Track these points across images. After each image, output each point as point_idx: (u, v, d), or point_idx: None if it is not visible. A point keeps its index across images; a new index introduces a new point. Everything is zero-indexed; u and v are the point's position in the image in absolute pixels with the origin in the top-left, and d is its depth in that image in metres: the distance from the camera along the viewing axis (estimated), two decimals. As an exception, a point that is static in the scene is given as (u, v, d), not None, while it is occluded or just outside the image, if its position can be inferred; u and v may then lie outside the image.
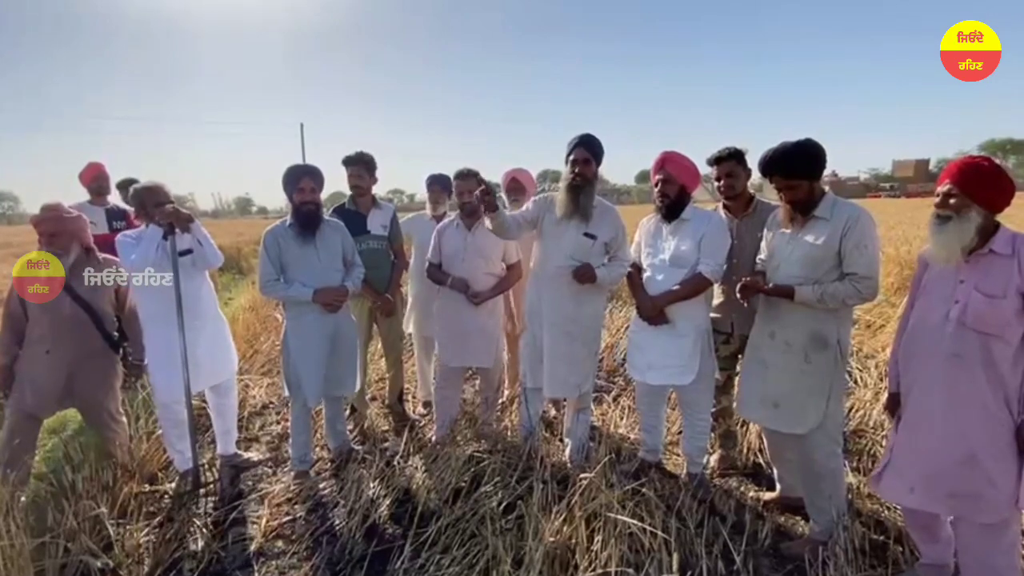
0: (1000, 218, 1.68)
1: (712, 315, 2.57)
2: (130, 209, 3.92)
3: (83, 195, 3.97)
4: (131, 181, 3.61)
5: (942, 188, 1.69)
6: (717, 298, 2.57)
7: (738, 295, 2.13)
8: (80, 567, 2.01)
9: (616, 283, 2.61)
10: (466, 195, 2.81)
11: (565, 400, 2.87)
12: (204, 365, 2.66)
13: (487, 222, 2.48)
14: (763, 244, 2.25)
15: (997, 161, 1.66)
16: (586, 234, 2.48)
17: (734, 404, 2.81)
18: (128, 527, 2.24)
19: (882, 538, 2.15)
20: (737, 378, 2.87)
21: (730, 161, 2.44)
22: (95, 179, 3.92)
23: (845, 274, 1.94)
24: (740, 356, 2.57)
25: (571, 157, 2.45)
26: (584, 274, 2.45)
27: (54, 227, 2.48)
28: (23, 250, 11.04)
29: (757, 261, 2.27)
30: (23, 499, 2.31)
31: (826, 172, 2.08)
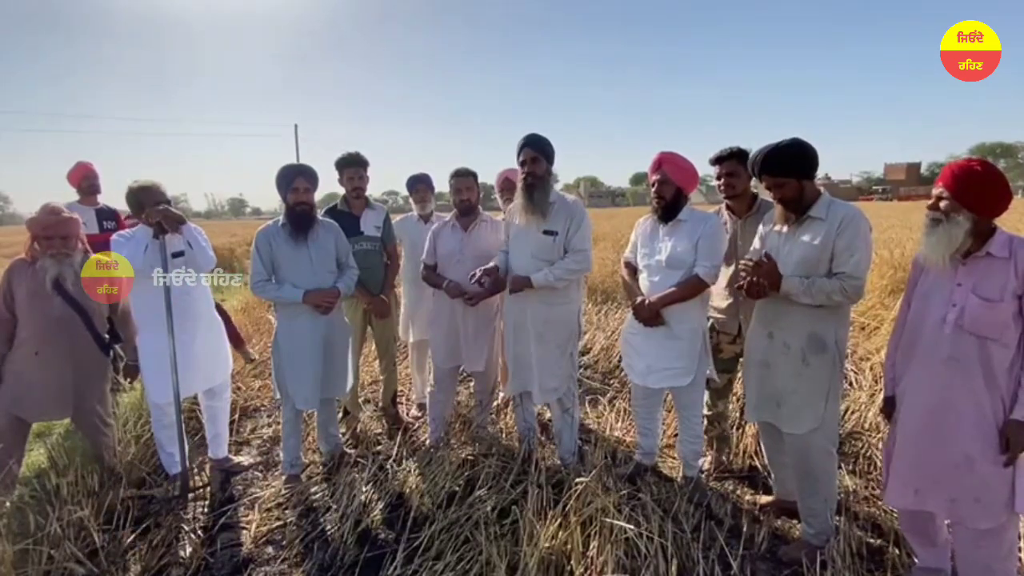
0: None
1: (719, 316, 2.56)
2: (120, 210, 3.89)
3: (73, 195, 3.92)
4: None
5: (935, 191, 1.70)
6: (724, 300, 2.55)
7: (745, 293, 2.07)
8: (64, 574, 1.96)
9: (568, 279, 2.51)
10: (463, 192, 2.79)
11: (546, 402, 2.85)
12: (200, 367, 2.63)
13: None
14: (756, 238, 2.24)
15: (993, 166, 1.66)
16: (546, 231, 2.49)
17: (730, 407, 2.80)
18: (114, 533, 2.20)
19: (879, 542, 2.14)
20: (738, 382, 2.86)
21: (731, 160, 2.43)
22: (84, 179, 3.87)
23: (833, 273, 1.92)
24: (741, 358, 2.55)
25: (520, 158, 2.48)
26: (519, 283, 2.49)
27: (65, 230, 2.45)
28: (13, 251, 10.90)
29: (749, 252, 2.25)
30: (6, 504, 2.26)
31: (819, 175, 2.05)
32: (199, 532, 2.30)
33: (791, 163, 1.95)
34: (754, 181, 2.48)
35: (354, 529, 2.19)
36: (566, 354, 2.61)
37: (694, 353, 2.39)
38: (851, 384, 3.55)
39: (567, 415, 2.65)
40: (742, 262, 2.07)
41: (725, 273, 2.46)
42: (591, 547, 1.90)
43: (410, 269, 3.35)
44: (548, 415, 3.35)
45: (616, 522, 1.93)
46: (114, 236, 2.51)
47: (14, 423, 2.42)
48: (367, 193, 3.20)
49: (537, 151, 2.46)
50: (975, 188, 1.61)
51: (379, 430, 3.30)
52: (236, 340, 4.23)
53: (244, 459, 2.98)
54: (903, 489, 1.79)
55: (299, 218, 2.58)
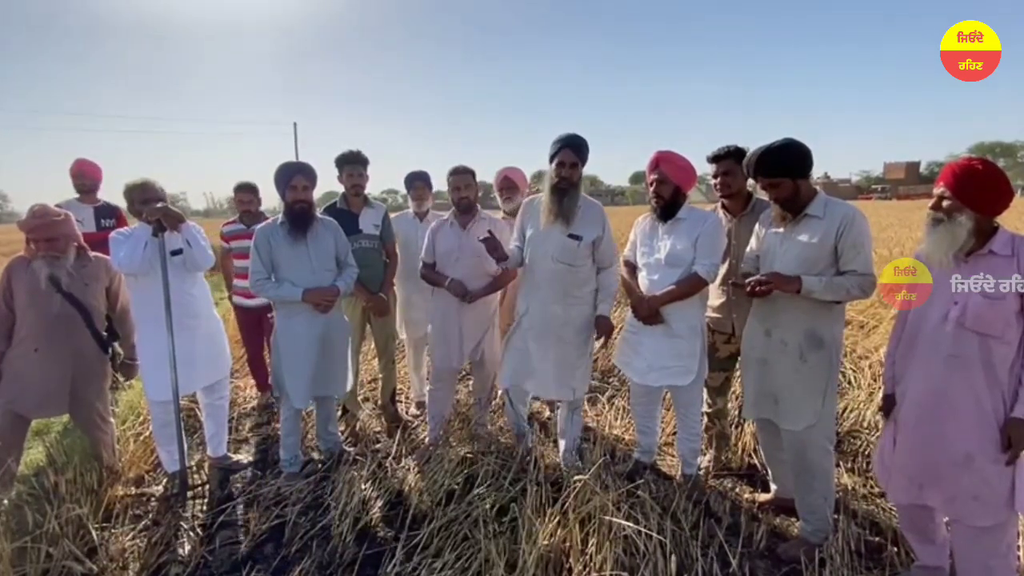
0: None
1: (713, 315, 2.56)
2: (120, 207, 3.89)
3: (73, 193, 3.92)
4: None
5: (937, 190, 1.70)
6: (718, 298, 2.55)
7: (753, 291, 2.02)
8: (63, 572, 1.96)
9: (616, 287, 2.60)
10: (462, 190, 2.78)
11: (559, 401, 2.85)
12: (200, 365, 2.63)
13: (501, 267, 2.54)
14: (753, 239, 2.24)
15: (994, 164, 1.66)
16: (571, 235, 2.44)
17: (729, 405, 2.80)
18: (113, 531, 2.20)
19: (878, 539, 2.14)
20: (736, 380, 2.86)
21: (728, 159, 2.42)
22: (77, 176, 3.87)
23: (841, 272, 1.93)
24: (739, 356, 2.55)
25: (557, 158, 2.39)
26: (606, 328, 2.50)
27: (51, 232, 2.45)
28: (11, 249, 10.89)
29: (747, 251, 2.25)
30: (4, 502, 2.26)
31: (818, 174, 2.06)
32: (198, 530, 2.30)
33: (785, 163, 1.96)
34: (751, 181, 2.49)
35: (353, 527, 2.19)
36: (585, 354, 2.60)
37: (694, 351, 2.39)
38: (850, 383, 3.55)
39: (575, 414, 2.65)
40: (751, 276, 2.05)
41: (720, 271, 2.46)
42: (590, 545, 1.90)
43: (406, 267, 3.35)
44: (547, 413, 3.36)
45: (615, 520, 1.93)
46: (112, 234, 2.51)
47: (13, 420, 2.43)
48: (366, 191, 3.20)
49: (579, 156, 2.39)
50: (976, 187, 1.61)
51: (378, 428, 3.30)
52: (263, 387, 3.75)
53: (243, 457, 2.98)
54: (907, 485, 1.79)
55: (298, 216, 2.57)
